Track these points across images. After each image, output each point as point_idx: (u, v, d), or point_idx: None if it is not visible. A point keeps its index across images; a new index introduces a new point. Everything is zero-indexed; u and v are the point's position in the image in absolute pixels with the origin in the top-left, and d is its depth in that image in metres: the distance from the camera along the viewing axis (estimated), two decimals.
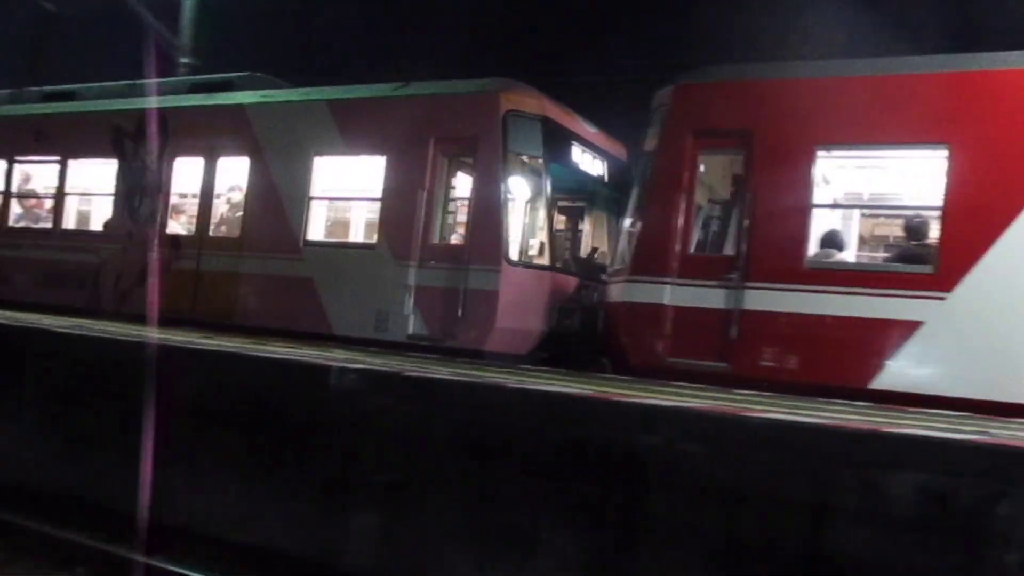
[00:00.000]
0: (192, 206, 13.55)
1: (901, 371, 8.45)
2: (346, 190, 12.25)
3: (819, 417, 5.78)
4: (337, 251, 11.96)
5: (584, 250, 12.54)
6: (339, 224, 12.64)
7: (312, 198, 12.10)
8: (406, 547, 6.45)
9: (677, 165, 9.70)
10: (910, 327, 8.48)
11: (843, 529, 4.95)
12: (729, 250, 9.49)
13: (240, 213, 12.76)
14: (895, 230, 9.66)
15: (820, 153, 9.13)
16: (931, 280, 8.50)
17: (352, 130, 11.89)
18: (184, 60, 17.18)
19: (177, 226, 13.57)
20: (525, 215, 11.30)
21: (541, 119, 11.04)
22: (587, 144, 11.92)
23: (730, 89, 9.73)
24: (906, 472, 4.85)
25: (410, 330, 11.07)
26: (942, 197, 8.58)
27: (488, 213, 10.72)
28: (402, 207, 11.31)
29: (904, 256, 8.94)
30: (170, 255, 13.04)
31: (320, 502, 6.92)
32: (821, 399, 7.89)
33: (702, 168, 9.86)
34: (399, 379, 6.93)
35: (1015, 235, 8.22)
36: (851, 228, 9.88)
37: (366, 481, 6.71)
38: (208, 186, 13.06)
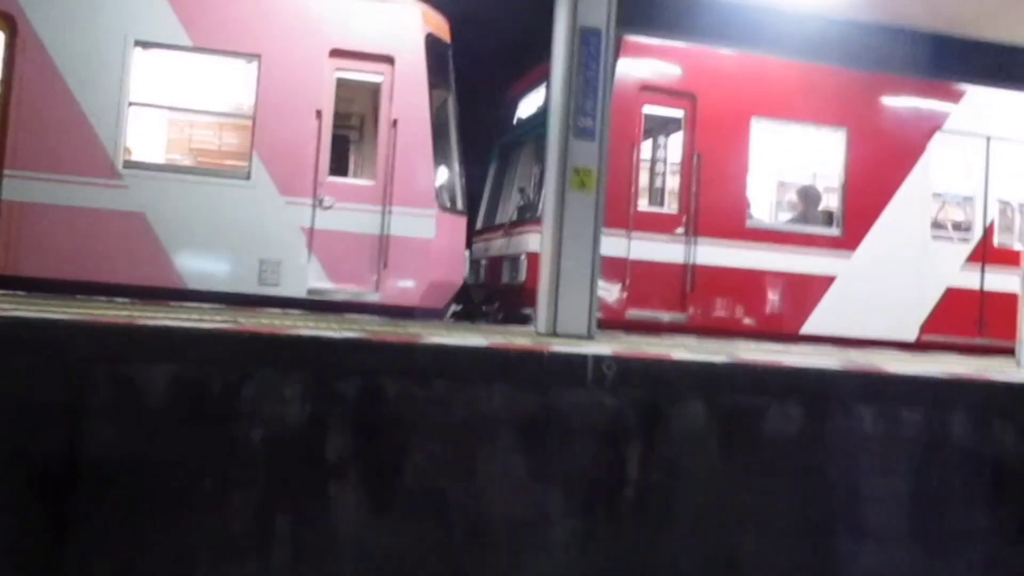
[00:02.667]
0: None
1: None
2: (192, 99, 9.20)
3: (70, 314, 5.50)
4: (184, 179, 9.02)
5: None
6: (181, 143, 9.45)
7: (134, 104, 8.92)
8: None
9: (629, 119, 9.88)
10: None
11: (101, 426, 4.79)
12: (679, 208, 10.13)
13: None
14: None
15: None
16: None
17: (202, 20, 9.02)
18: None
19: None
20: (447, 154, 10.06)
21: (450, 47, 9.92)
22: None
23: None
24: (161, 364, 4.87)
25: (311, 283, 9.20)
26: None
27: (415, 150, 9.38)
28: (288, 131, 9.16)
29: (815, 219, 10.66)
30: None
31: None
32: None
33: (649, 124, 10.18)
34: None
35: None
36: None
37: None
38: None
